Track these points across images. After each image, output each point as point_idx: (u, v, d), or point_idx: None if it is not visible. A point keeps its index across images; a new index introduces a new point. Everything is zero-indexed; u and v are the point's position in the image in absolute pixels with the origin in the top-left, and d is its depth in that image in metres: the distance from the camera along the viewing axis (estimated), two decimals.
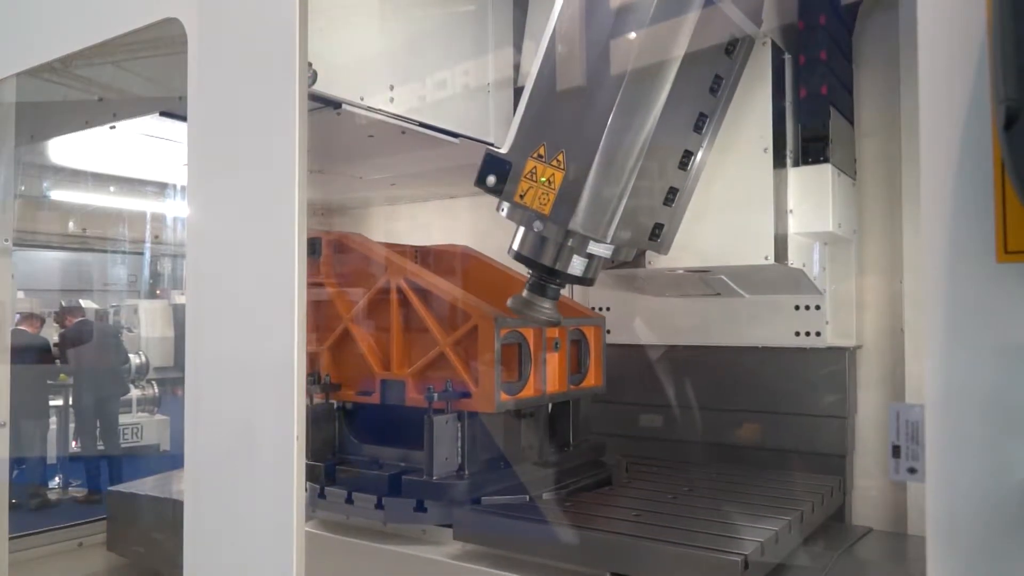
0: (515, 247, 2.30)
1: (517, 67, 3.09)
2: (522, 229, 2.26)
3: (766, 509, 2.39)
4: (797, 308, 3.00)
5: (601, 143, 2.07)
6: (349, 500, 2.59)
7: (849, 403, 2.96)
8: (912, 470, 1.44)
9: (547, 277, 2.31)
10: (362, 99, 2.53)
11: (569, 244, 2.20)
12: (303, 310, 1.71)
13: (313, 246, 2.89)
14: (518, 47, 3.08)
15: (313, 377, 2.83)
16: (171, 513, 3.12)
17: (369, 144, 2.98)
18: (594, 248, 2.21)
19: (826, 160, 2.65)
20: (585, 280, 2.31)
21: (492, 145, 2.71)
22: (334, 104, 2.46)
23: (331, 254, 2.91)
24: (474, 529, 2.41)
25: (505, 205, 2.21)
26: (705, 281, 3.03)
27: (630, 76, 2.07)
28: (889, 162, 2.91)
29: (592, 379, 2.98)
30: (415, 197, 4.15)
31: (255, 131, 1.82)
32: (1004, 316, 1.13)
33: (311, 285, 2.88)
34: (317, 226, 4.32)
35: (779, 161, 2.60)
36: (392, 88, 2.63)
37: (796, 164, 2.68)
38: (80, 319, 9.28)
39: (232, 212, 1.89)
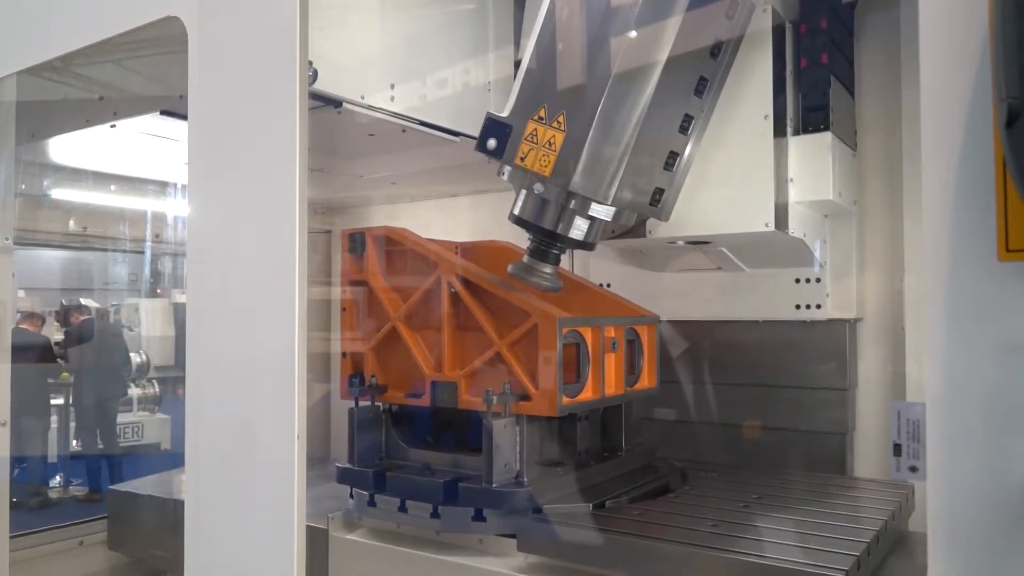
0: (515, 211, 2.29)
1: (517, 65, 3.09)
2: (523, 193, 2.24)
3: (845, 519, 2.28)
4: (797, 281, 2.98)
5: (601, 104, 2.07)
6: (402, 508, 2.47)
7: (850, 376, 2.92)
8: (913, 468, 1.45)
9: (548, 241, 2.29)
10: (363, 98, 2.53)
11: (570, 206, 2.19)
12: (304, 309, 1.71)
13: (355, 241, 2.76)
14: (518, 45, 3.07)
15: (358, 379, 2.71)
16: (172, 512, 3.12)
17: (370, 143, 2.98)
18: (595, 210, 2.20)
19: (826, 129, 2.63)
20: (586, 244, 2.29)
21: None
22: (335, 103, 2.45)
23: (375, 250, 2.76)
24: (543, 540, 2.28)
25: (506, 168, 2.20)
26: (706, 254, 3.02)
27: (630, 38, 2.07)
28: (889, 147, 2.91)
29: (646, 380, 2.84)
30: (416, 196, 4.15)
31: (256, 130, 1.82)
32: (1005, 315, 1.13)
33: (354, 283, 2.78)
34: (318, 225, 4.32)
35: (779, 130, 2.59)
36: (393, 87, 2.63)
37: (796, 133, 2.66)
38: (86, 318, 9.30)
39: (233, 211, 1.88)
